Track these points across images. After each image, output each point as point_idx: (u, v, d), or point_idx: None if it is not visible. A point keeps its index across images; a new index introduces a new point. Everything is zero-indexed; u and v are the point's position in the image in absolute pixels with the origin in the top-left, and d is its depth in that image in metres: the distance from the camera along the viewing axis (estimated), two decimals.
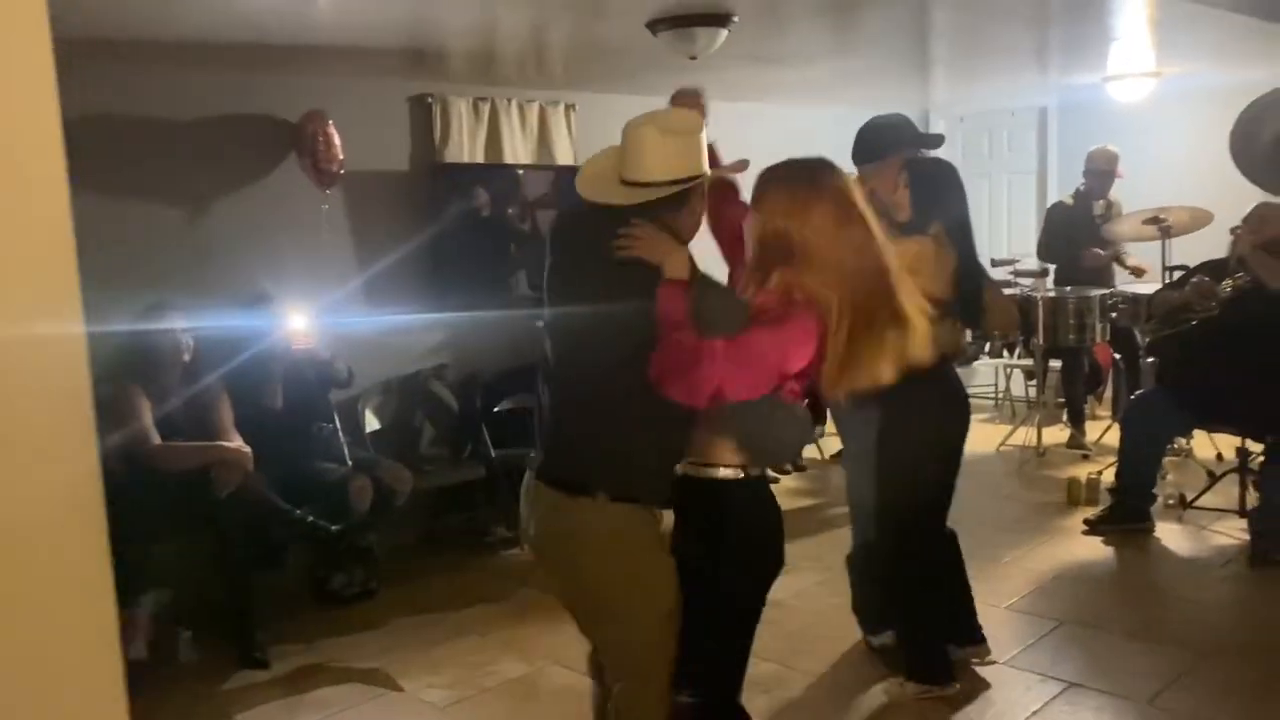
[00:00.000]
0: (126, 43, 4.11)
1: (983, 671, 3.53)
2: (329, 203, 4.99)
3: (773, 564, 2.27)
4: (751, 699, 3.39)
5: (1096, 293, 5.99)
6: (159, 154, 4.64)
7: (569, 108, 5.95)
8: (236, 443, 4.07)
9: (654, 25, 3.96)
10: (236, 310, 4.48)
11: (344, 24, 4.06)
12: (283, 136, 4.89)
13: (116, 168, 4.48)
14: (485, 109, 5.61)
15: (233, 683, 3.78)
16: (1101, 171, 6.37)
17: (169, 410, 4.06)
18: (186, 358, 4.14)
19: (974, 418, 7.80)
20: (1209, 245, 5.42)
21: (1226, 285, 4.49)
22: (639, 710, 2.26)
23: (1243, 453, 4.81)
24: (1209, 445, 5.76)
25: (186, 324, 4.14)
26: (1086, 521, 4.95)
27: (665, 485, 2.19)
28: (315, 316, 4.52)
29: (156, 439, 3.94)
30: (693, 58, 4.04)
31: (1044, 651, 3.67)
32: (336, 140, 4.82)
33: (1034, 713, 3.27)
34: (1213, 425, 5.13)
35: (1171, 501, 5.05)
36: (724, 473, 2.16)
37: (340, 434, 4.72)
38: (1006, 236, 8.13)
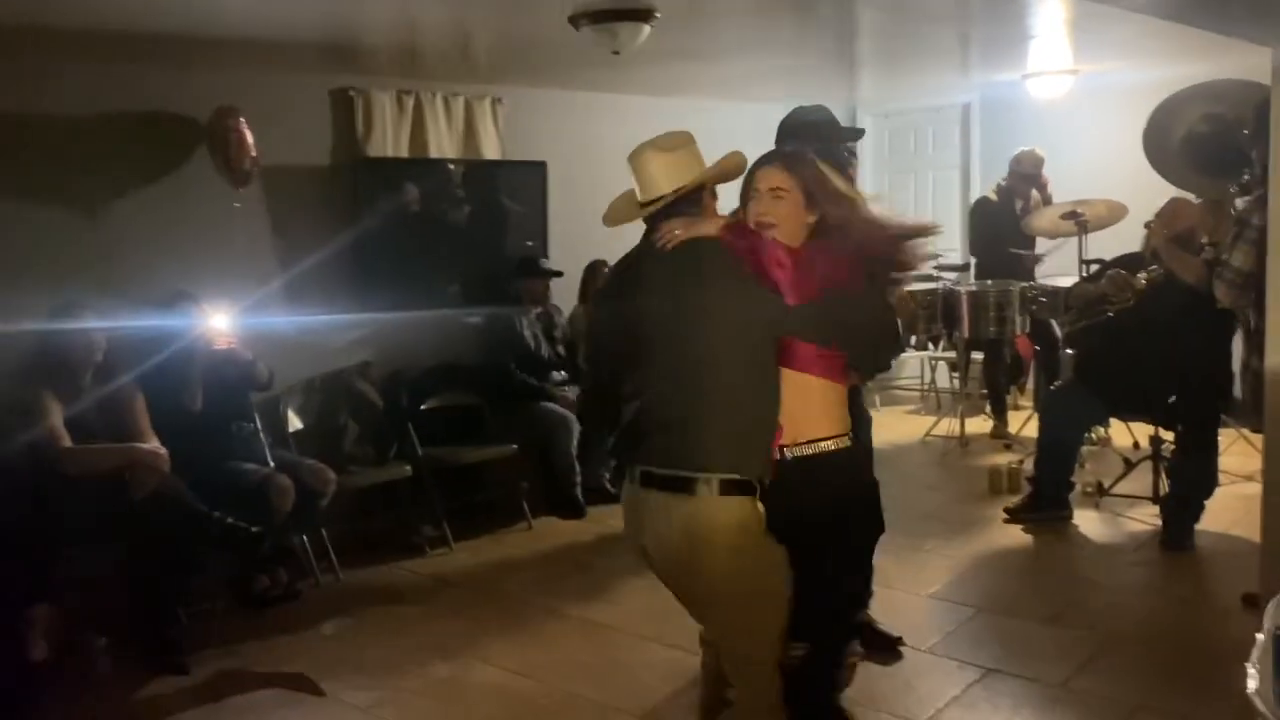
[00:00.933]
0: (26, 34, 3.98)
1: (905, 659, 3.59)
2: (243, 200, 4.86)
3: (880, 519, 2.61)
4: (679, 691, 3.43)
5: (1017, 286, 6.11)
6: (64, 152, 4.50)
7: (496, 101, 5.90)
8: (152, 444, 3.97)
9: (576, 20, 3.94)
10: (153, 310, 4.38)
11: (259, 17, 3.98)
12: (194, 133, 4.76)
13: (18, 166, 4.35)
14: (410, 102, 5.54)
15: (151, 689, 3.69)
16: (1028, 175, 6.52)
17: (82, 412, 3.95)
18: (99, 358, 4.03)
19: (900, 409, 7.99)
20: (1125, 239, 5.56)
21: (1141, 278, 4.61)
22: (760, 688, 2.39)
23: (1156, 441, 4.94)
24: (1127, 434, 5.91)
25: (99, 324, 4.03)
26: (1007, 510, 5.05)
27: (768, 474, 2.30)
28: (236, 315, 4.44)
29: (67, 441, 3.83)
30: (615, 53, 4.03)
31: (963, 638, 3.74)
32: (249, 137, 4.70)
33: (954, 699, 3.33)
34: (1127, 415, 5.27)
35: (1089, 489, 5.18)
36: (830, 445, 2.34)
37: (261, 434, 4.63)
38: None
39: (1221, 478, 4.69)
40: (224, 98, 4.73)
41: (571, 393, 5.61)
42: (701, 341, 2.32)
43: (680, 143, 2.46)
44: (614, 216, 2.56)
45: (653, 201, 2.42)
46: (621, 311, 2.49)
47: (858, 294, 2.33)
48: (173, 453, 3.98)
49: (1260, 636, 2.30)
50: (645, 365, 2.40)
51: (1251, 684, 2.19)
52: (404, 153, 5.54)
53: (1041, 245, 6.72)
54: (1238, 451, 5.41)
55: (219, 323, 4.37)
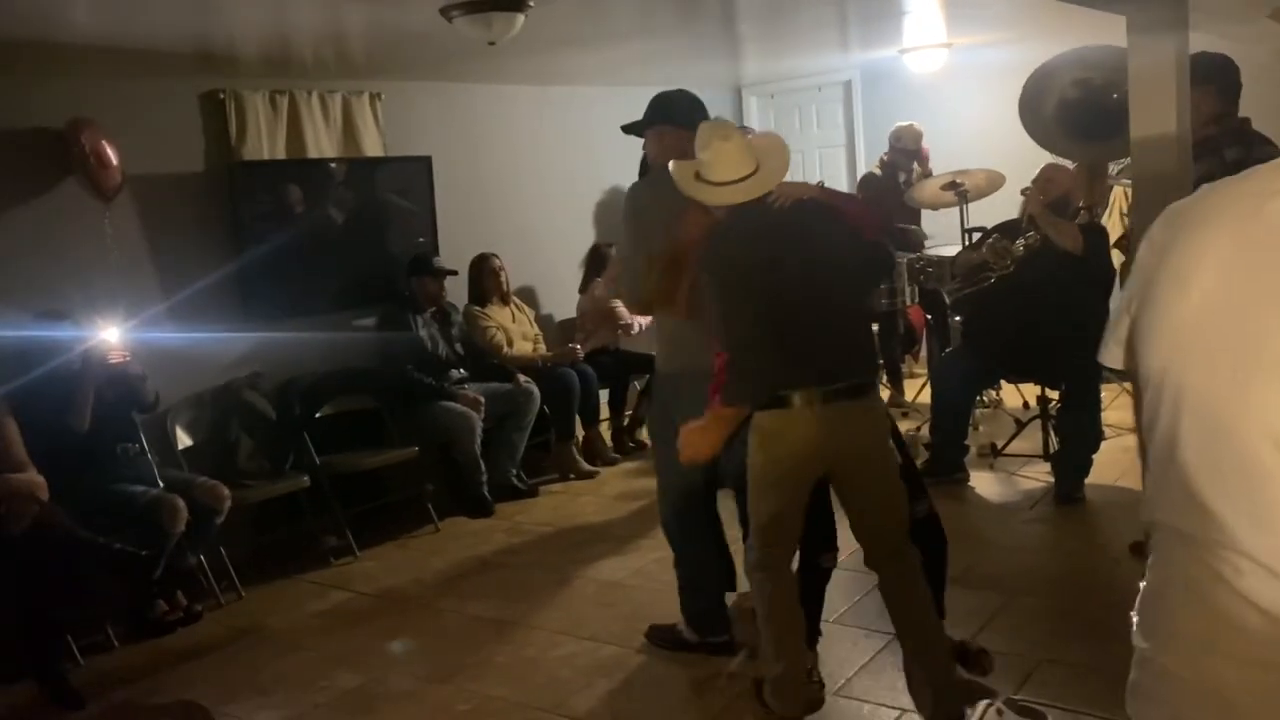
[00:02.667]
0: None
1: None
2: (111, 213, 4.65)
3: None
4: (593, 683, 3.42)
5: (905, 257, 6.23)
6: None
7: (375, 97, 5.76)
8: (28, 473, 3.77)
9: (448, 12, 3.86)
10: (23, 328, 4.16)
11: (117, 21, 3.80)
12: (56, 145, 4.53)
13: None
14: (284, 102, 5.37)
15: None
16: (908, 150, 6.65)
17: None
18: None
19: None
20: (1003, 207, 5.72)
21: (1020, 245, 4.74)
22: (904, 537, 3.02)
23: (1043, 400, 5.11)
24: (1017, 395, 6.10)
25: None
26: None
27: None
28: (127, 329, 4.26)
29: None
30: (491, 43, 3.96)
31: (868, 607, 3.79)
32: (109, 149, 4.48)
33: (862, 666, 3.39)
34: (1013, 377, 5.44)
35: (984, 451, 5.32)
36: None
37: (148, 453, 4.45)
38: None
39: (1106, 431, 4.87)
40: (85, 106, 4.52)
41: (471, 390, 5.53)
42: (831, 275, 2.83)
43: (734, 129, 2.96)
44: (719, 196, 2.84)
45: (746, 177, 2.81)
46: (756, 264, 2.81)
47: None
48: (55, 478, 3.79)
49: (1144, 585, 2.39)
50: (788, 305, 2.78)
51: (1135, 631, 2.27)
52: (281, 154, 5.37)
53: (926, 221, 6.87)
54: (1120, 405, 5.61)
55: (110, 336, 4.20)
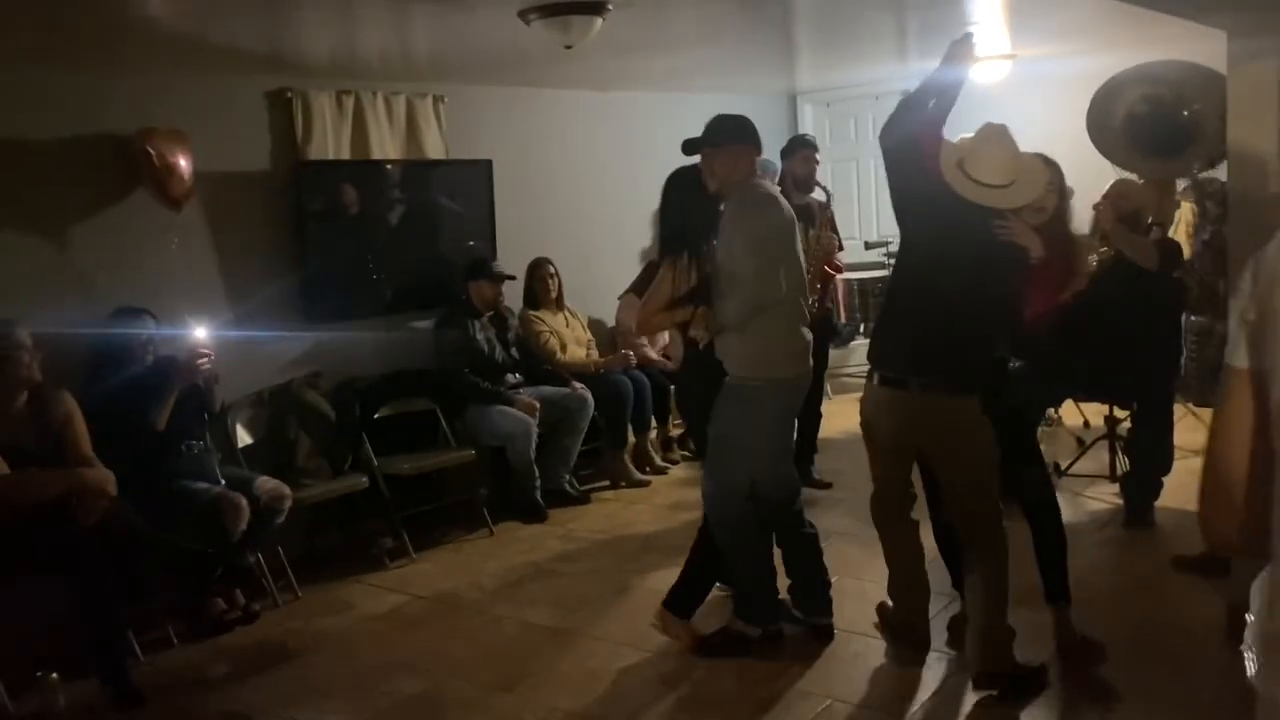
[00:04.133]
0: None
1: (880, 650, 3.57)
2: (178, 225, 4.67)
3: None
4: (661, 696, 3.37)
5: None
6: None
7: (438, 99, 5.76)
8: (97, 469, 3.78)
9: (526, 15, 3.84)
10: (104, 327, 4.20)
11: (185, 18, 3.81)
12: (120, 149, 4.53)
13: None
14: (349, 103, 5.37)
15: None
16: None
17: (16, 436, 3.75)
18: (37, 377, 3.82)
19: (850, 396, 8.00)
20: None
21: (1092, 260, 4.64)
22: (995, 524, 3.40)
23: (1111, 420, 5.00)
24: (1077, 414, 5.99)
25: (31, 342, 3.82)
26: None
27: None
28: (213, 329, 4.33)
29: (3, 468, 3.63)
30: (568, 47, 3.94)
31: (939, 626, 3.73)
32: (179, 159, 4.48)
33: (934, 692, 3.32)
34: (1082, 395, 5.33)
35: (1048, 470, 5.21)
36: None
37: (211, 451, 4.46)
38: (876, 219, 8.29)
39: (1176, 453, 4.76)
40: (153, 105, 4.52)
41: (527, 394, 5.51)
42: (982, 309, 3.23)
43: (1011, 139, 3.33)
44: (972, 192, 3.14)
45: (1003, 185, 3.16)
46: (941, 256, 3.20)
47: None
48: (124, 474, 3.80)
49: (1251, 618, 2.30)
50: (936, 301, 3.17)
51: (1251, 668, 2.18)
52: (345, 155, 5.37)
53: None
54: (1186, 427, 5.48)
55: (198, 335, 4.25)
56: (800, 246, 4.96)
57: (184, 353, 4.18)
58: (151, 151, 4.44)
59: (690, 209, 3.60)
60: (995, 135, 3.18)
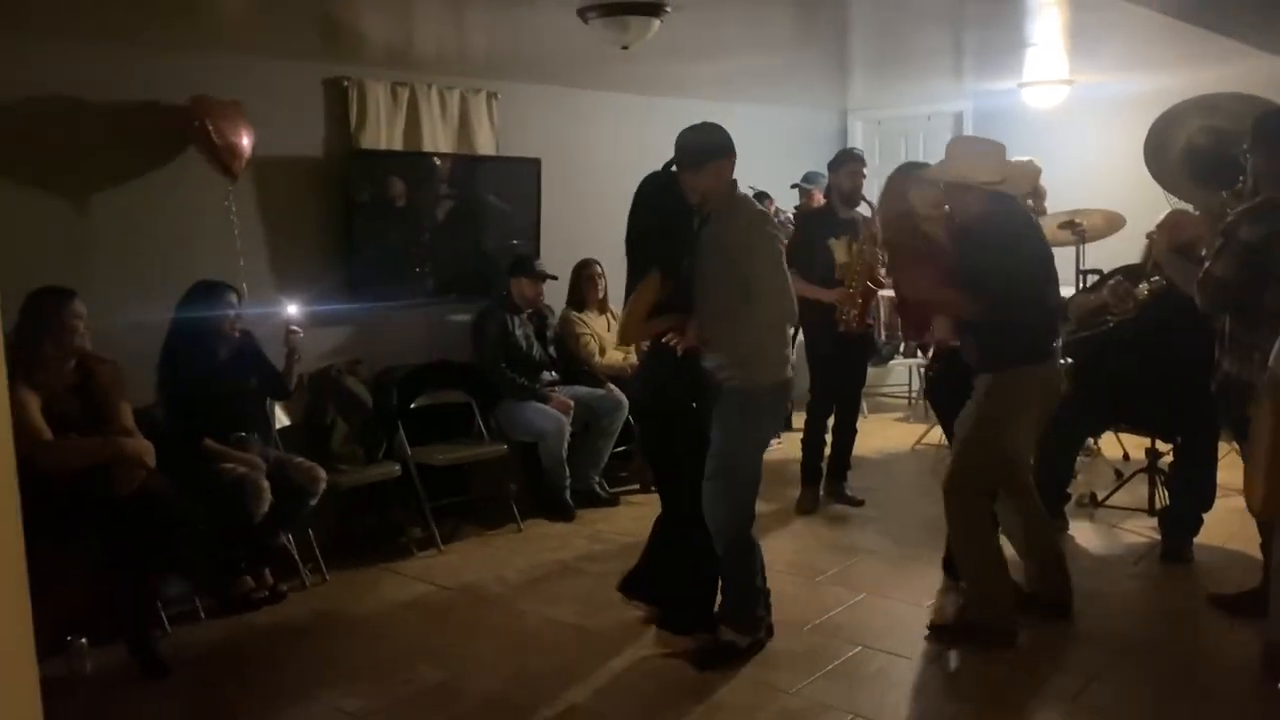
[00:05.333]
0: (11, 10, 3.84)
1: (908, 670, 3.53)
2: (236, 191, 4.72)
3: None
4: (680, 702, 3.34)
5: None
6: (49, 139, 4.34)
7: (491, 95, 5.79)
8: (137, 439, 3.83)
9: (585, 13, 3.86)
10: (193, 300, 4.28)
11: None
12: (179, 120, 4.58)
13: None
14: (404, 94, 5.42)
15: (134, 692, 3.57)
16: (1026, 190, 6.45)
17: (63, 402, 3.80)
18: (88, 346, 3.88)
19: (887, 416, 7.96)
20: (1122, 249, 5.54)
21: (1143, 288, 4.58)
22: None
23: (1152, 453, 4.92)
24: (1116, 445, 5.90)
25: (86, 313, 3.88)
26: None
27: None
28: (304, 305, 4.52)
29: (47, 434, 3.68)
30: (624, 48, 3.95)
31: (966, 650, 3.68)
32: (234, 130, 4.51)
33: (956, 713, 3.26)
34: (1125, 426, 5.25)
35: (1084, 501, 5.15)
36: None
37: (257, 442, 4.51)
38: None
39: (1218, 490, 4.67)
40: (214, 85, 4.58)
41: (562, 392, 5.52)
42: None
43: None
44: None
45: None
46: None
47: None
48: (168, 448, 3.87)
49: None
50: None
51: None
52: (398, 145, 5.42)
53: None
54: (1229, 464, 5.38)
55: (290, 310, 4.41)
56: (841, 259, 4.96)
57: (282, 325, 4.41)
58: (206, 119, 4.48)
59: (669, 216, 3.54)
60: (973, 140, 3.57)
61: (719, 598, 3.72)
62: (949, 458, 3.88)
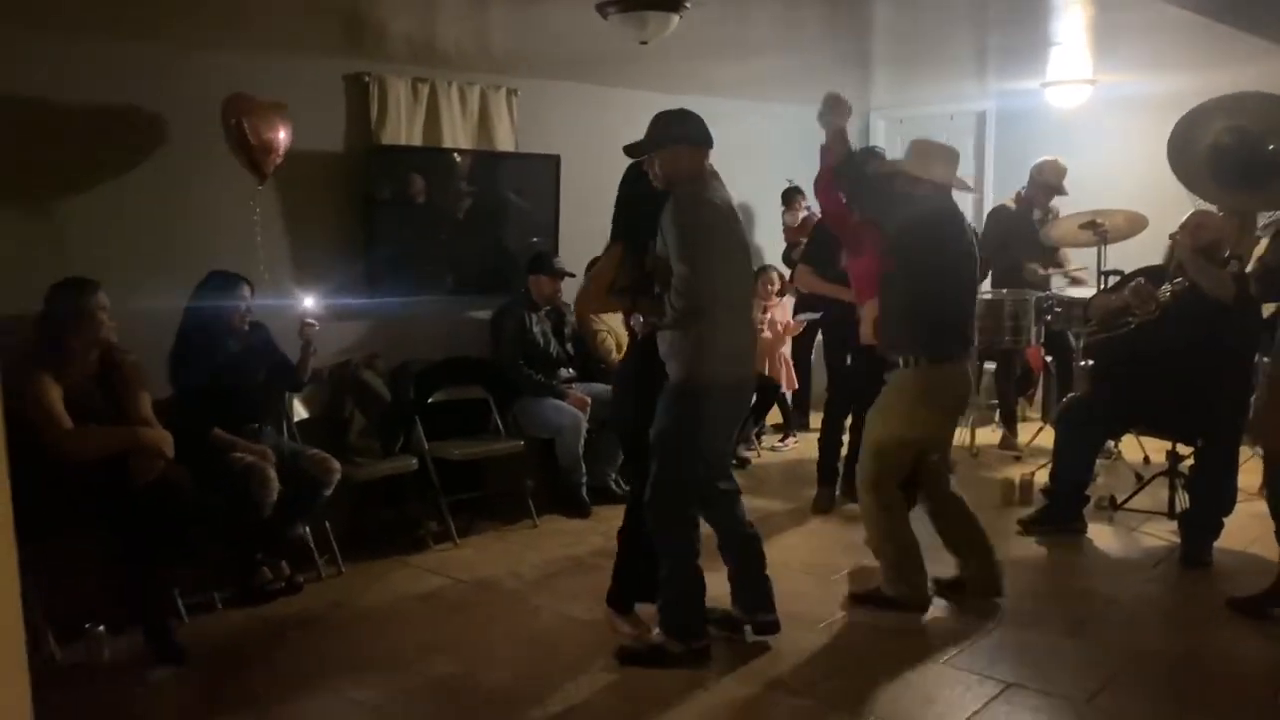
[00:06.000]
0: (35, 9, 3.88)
1: (923, 671, 3.51)
2: (259, 195, 4.74)
3: None
4: (692, 696, 3.35)
5: (1033, 295, 6.04)
6: (73, 133, 4.39)
7: (511, 92, 5.81)
8: (156, 429, 3.86)
9: (604, 8, 3.86)
10: (206, 290, 4.31)
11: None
12: (205, 117, 4.62)
13: (26, 149, 4.26)
14: (425, 90, 5.45)
15: (151, 680, 3.59)
16: (1049, 185, 6.42)
17: (84, 392, 3.84)
18: (113, 338, 3.92)
19: None
20: (1144, 250, 5.50)
21: (1165, 290, 4.54)
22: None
23: (1173, 456, 4.87)
24: (1136, 448, 5.85)
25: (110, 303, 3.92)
26: (1020, 522, 4.98)
27: None
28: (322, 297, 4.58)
29: (68, 424, 3.72)
30: (643, 43, 3.95)
31: (982, 652, 3.67)
32: (271, 130, 4.52)
33: (974, 713, 3.24)
34: (1145, 429, 5.20)
35: (1103, 504, 5.11)
36: None
37: (271, 434, 4.54)
38: None
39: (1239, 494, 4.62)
40: (238, 80, 4.61)
41: (579, 389, 5.52)
42: None
43: None
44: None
45: None
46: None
47: None
48: (186, 439, 3.91)
49: None
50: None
51: None
52: (417, 141, 5.45)
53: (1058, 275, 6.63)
54: (1250, 469, 5.33)
55: (308, 303, 4.45)
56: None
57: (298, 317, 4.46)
58: (242, 119, 4.48)
59: (635, 201, 3.54)
60: (934, 142, 4.16)
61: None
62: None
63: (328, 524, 4.59)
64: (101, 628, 3.72)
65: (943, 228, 3.89)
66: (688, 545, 3.56)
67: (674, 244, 3.31)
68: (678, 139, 3.43)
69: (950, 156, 4.07)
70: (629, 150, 3.55)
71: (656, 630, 3.61)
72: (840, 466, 5.49)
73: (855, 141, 7.63)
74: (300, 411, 4.90)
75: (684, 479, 3.50)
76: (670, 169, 3.42)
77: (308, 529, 4.51)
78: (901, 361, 3.90)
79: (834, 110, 4.22)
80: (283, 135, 4.59)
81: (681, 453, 3.46)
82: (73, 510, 3.70)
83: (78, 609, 3.74)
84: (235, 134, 4.51)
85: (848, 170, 4.27)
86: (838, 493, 5.48)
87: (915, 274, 3.82)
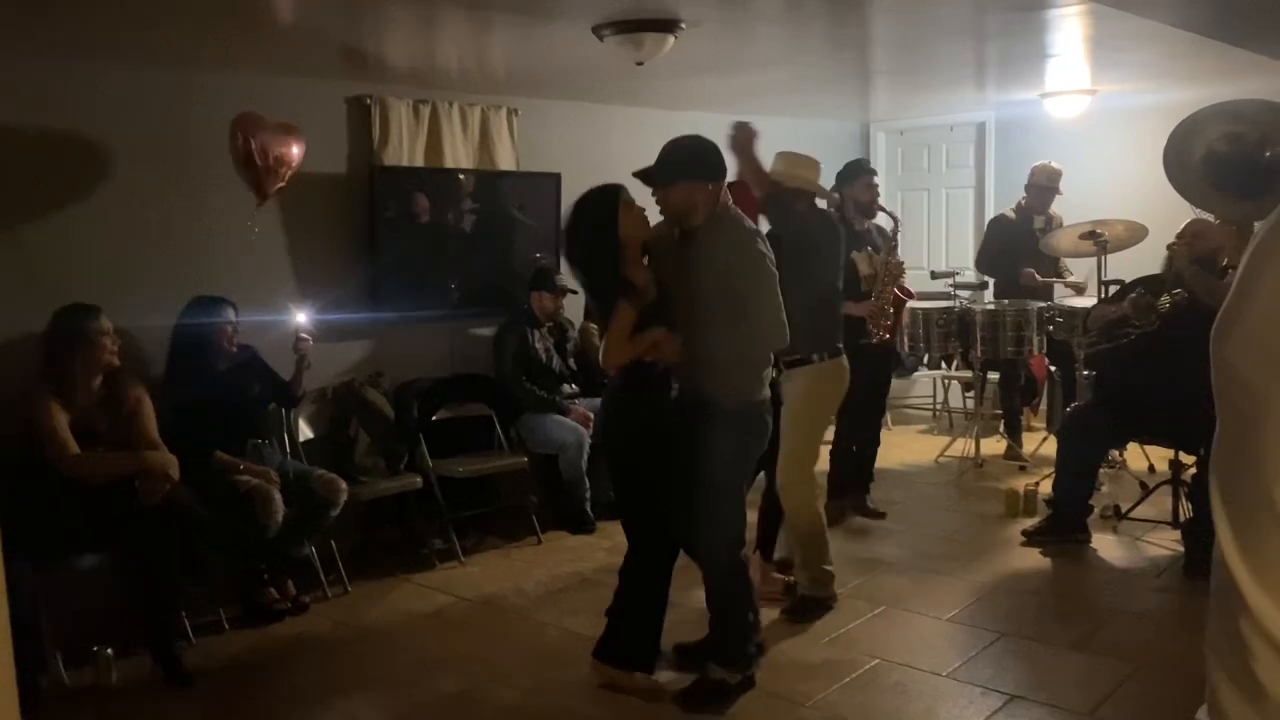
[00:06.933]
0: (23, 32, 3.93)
1: (925, 684, 3.52)
2: (257, 216, 4.73)
3: None
4: (696, 715, 3.35)
5: (1035, 306, 6.06)
6: (69, 152, 4.42)
7: (511, 112, 5.85)
8: (162, 452, 3.90)
9: (600, 30, 3.89)
10: (182, 316, 4.35)
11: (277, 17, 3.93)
12: (206, 136, 4.66)
13: (29, 171, 4.30)
14: (426, 111, 5.49)
15: (158, 702, 3.62)
16: (1043, 187, 6.44)
17: (89, 417, 3.88)
18: (116, 362, 3.96)
19: (912, 429, 7.92)
20: (1143, 259, 5.51)
21: (1165, 301, 4.55)
22: None
23: (1176, 465, 4.87)
24: (1141, 457, 5.85)
25: (113, 327, 3.97)
26: (1025, 533, 4.98)
27: None
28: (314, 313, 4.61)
29: (74, 448, 3.76)
30: (639, 64, 3.99)
31: (986, 664, 3.67)
32: (280, 150, 4.53)
33: None
34: (1148, 438, 5.21)
35: (1107, 513, 5.10)
36: None
37: (274, 449, 4.58)
38: (945, 249, 8.22)
39: None
40: (241, 103, 4.66)
41: (583, 405, 5.55)
42: None
43: None
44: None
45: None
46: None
47: None
48: (188, 460, 3.93)
49: None
50: None
51: None
52: (419, 162, 5.48)
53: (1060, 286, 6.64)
54: None
55: (300, 318, 4.48)
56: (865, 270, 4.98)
57: (292, 332, 4.50)
58: (251, 139, 4.48)
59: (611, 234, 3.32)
60: (801, 155, 4.32)
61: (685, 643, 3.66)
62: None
63: (333, 543, 4.62)
64: (109, 650, 3.74)
65: (822, 233, 4.26)
66: (745, 573, 3.51)
67: (754, 276, 3.29)
68: (700, 174, 3.34)
69: (816, 165, 4.34)
70: (646, 177, 3.45)
71: (713, 666, 3.45)
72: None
73: (855, 154, 7.67)
74: (305, 431, 4.93)
75: (741, 505, 3.44)
76: (689, 203, 3.35)
77: (313, 548, 4.53)
78: (815, 358, 4.09)
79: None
80: (295, 152, 4.61)
81: (739, 479, 3.42)
82: (80, 533, 3.73)
83: (85, 632, 3.76)
84: (242, 152, 4.53)
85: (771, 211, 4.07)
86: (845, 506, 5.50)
87: (814, 278, 4.10)
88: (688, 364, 3.37)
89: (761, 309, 3.30)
